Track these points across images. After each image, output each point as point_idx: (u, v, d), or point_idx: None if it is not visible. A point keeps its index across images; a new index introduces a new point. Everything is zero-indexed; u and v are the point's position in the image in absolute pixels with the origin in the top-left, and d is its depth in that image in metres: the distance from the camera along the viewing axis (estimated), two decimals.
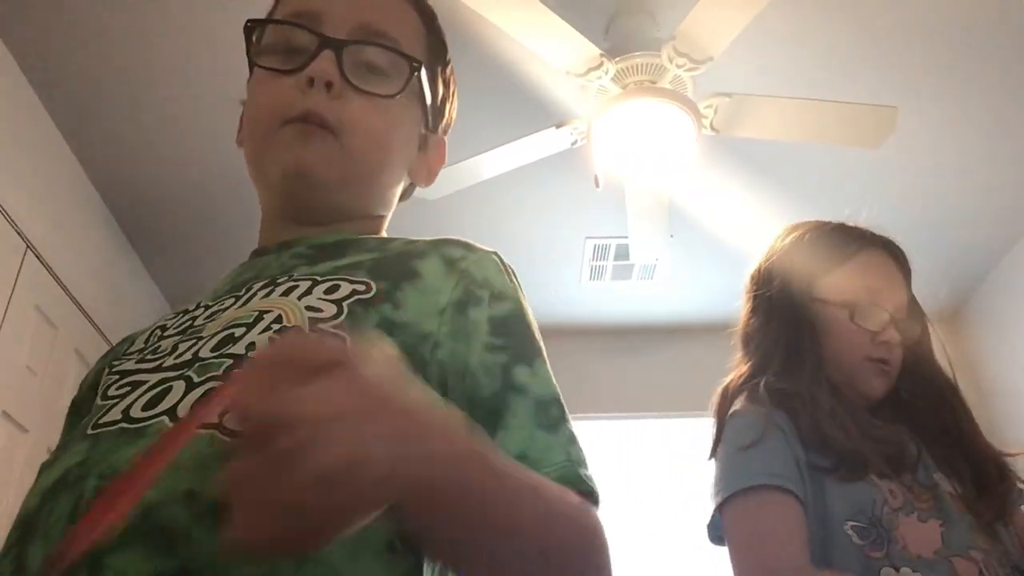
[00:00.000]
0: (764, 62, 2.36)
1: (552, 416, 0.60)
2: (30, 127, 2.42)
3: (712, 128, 2.26)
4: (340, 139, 0.70)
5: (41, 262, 2.46)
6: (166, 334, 0.66)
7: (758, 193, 2.90)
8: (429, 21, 0.82)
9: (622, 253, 3.23)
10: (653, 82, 2.12)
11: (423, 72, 0.76)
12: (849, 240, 1.19)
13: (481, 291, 0.64)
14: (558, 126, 2.29)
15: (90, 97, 2.44)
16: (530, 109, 2.42)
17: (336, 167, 0.70)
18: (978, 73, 2.41)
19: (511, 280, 0.68)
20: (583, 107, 2.29)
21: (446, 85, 0.85)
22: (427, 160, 0.82)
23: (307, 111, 0.69)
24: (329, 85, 0.70)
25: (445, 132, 0.86)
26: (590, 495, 0.57)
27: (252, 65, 0.76)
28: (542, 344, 0.65)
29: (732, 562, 1.02)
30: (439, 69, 0.83)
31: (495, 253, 0.70)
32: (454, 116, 0.88)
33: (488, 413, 0.58)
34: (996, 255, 3.30)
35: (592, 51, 2.07)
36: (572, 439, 0.60)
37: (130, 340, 0.73)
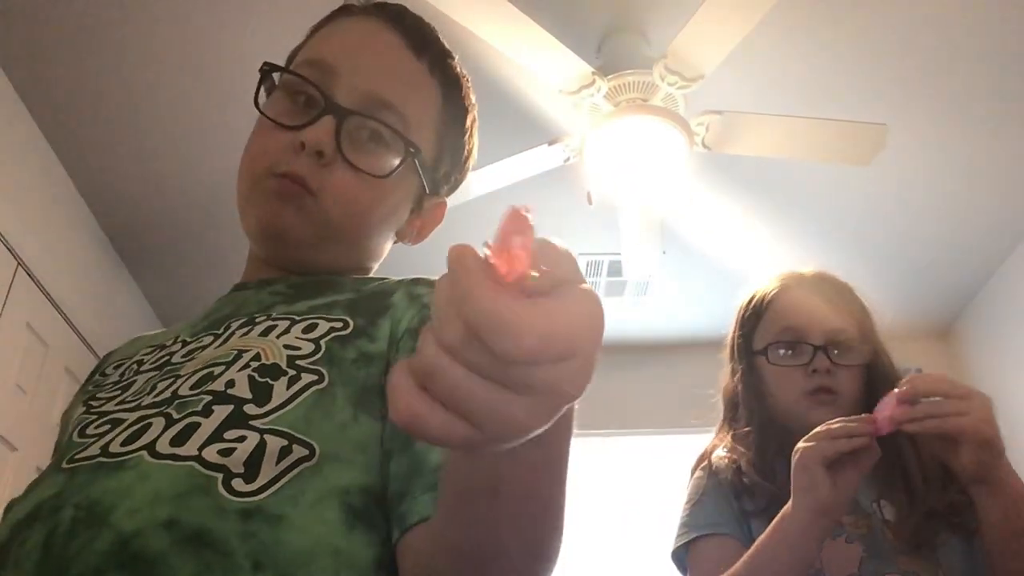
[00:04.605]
0: (755, 80, 2.37)
1: None
2: (21, 143, 2.42)
3: (704, 145, 2.27)
4: (318, 201, 0.70)
5: (32, 279, 2.45)
6: (142, 369, 0.66)
7: (750, 210, 2.92)
8: (449, 91, 0.81)
9: (615, 270, 3.23)
10: (645, 100, 2.14)
11: (419, 156, 0.75)
12: (767, 289, 1.24)
13: None
14: (551, 143, 2.30)
15: (82, 114, 2.44)
16: (523, 126, 2.42)
17: (310, 227, 0.70)
18: (967, 90, 2.43)
19: None
20: (576, 124, 2.30)
21: (458, 151, 0.83)
22: (419, 222, 0.81)
23: (291, 173, 0.69)
24: (320, 154, 0.69)
25: (450, 192, 0.85)
26: None
27: (258, 108, 0.75)
28: None
29: None
30: (454, 137, 0.82)
31: None
32: (465, 176, 0.87)
33: None
34: (987, 270, 3.32)
35: (584, 69, 2.08)
36: None
37: (110, 362, 0.73)
